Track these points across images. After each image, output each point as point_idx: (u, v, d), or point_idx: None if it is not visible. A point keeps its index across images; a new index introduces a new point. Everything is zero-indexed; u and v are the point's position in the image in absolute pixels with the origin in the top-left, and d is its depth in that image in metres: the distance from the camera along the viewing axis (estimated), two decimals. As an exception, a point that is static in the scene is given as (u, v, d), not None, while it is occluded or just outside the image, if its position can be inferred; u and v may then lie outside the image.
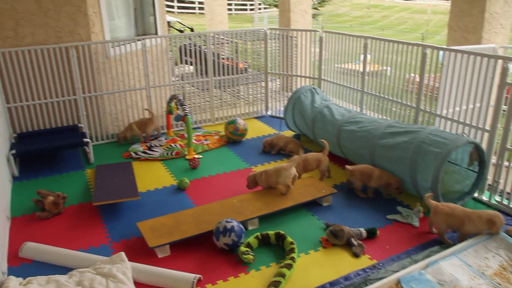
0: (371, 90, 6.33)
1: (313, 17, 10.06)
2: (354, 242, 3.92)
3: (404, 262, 3.66)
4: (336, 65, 6.99)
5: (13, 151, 5.39)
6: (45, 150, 5.75)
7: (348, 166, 4.93)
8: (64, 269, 3.67)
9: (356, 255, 3.82)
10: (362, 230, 4.08)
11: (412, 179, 4.56)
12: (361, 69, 6.35)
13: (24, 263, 3.82)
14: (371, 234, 4.09)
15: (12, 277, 3.37)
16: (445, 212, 3.92)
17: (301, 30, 7.33)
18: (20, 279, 3.43)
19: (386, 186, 4.75)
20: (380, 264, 3.70)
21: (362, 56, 6.40)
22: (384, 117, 6.09)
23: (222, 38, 8.08)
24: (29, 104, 6.13)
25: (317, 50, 7.14)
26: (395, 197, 4.80)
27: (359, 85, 6.51)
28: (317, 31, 7.07)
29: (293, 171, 4.70)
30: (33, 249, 3.92)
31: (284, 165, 4.73)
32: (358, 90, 6.51)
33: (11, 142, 5.88)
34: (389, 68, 5.97)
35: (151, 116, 6.59)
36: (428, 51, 5.31)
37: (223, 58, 7.72)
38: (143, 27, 7.85)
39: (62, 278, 3.45)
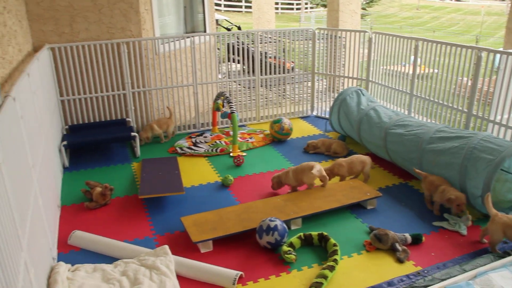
0: (420, 93, 6.17)
1: (361, 18, 9.90)
2: (399, 247, 3.82)
3: (451, 270, 3.53)
4: (382, 66, 6.86)
5: (65, 143, 5.57)
6: (94, 143, 5.91)
7: (418, 171, 4.71)
8: (109, 259, 3.76)
9: (400, 261, 3.73)
10: (407, 235, 3.98)
11: (462, 186, 4.40)
12: (410, 71, 6.21)
13: (73, 250, 3.94)
14: (416, 240, 3.97)
15: (61, 263, 3.47)
16: (503, 221, 3.76)
17: (351, 31, 7.22)
18: (69, 265, 3.53)
19: (448, 202, 4.34)
20: (425, 272, 3.60)
21: (409, 58, 6.26)
22: (433, 121, 5.93)
23: (270, 37, 8.08)
24: (81, 98, 6.32)
25: (365, 51, 7.03)
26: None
27: (407, 88, 6.36)
28: (367, 31, 6.96)
29: (319, 171, 4.70)
30: (81, 237, 4.03)
31: (309, 164, 4.77)
32: (407, 93, 6.36)
33: (62, 133, 6.08)
34: (436, 70, 5.81)
35: (170, 115, 6.61)
36: (484, 54, 5.12)
37: (270, 57, 7.71)
38: (192, 24, 7.95)
39: (107, 267, 3.53)
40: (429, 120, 6.02)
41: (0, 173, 2.23)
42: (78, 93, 6.29)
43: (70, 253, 3.90)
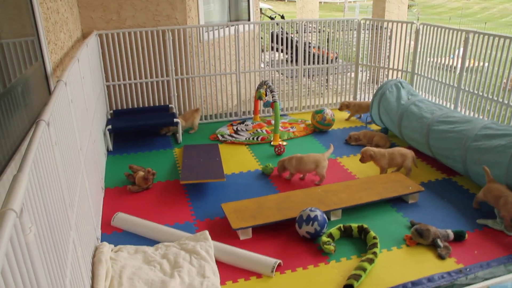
0: (468, 87, 5.98)
1: (407, 8, 9.65)
2: (440, 243, 3.74)
3: (495, 270, 3.44)
4: (429, 59, 6.68)
5: (109, 127, 5.71)
6: (138, 128, 6.03)
7: (486, 169, 4.34)
8: (150, 241, 3.85)
9: (441, 257, 3.65)
10: (449, 231, 3.88)
11: (509, 186, 4.25)
12: (458, 65, 6.02)
13: (115, 232, 4.05)
14: (459, 237, 3.87)
15: (105, 243, 3.58)
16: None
17: (398, 22, 7.06)
18: (112, 245, 3.64)
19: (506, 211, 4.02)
20: (468, 269, 3.51)
21: (457, 51, 6.07)
22: (481, 117, 5.74)
23: (314, 27, 8.00)
24: (125, 83, 6.45)
25: (410, 42, 6.86)
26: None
27: (454, 81, 6.17)
28: (414, 23, 6.79)
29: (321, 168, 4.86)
30: (123, 219, 4.14)
31: (321, 155, 4.88)
32: (454, 87, 6.18)
33: (107, 118, 6.23)
34: (486, 64, 5.61)
35: (196, 108, 6.60)
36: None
37: (314, 47, 7.65)
38: (236, 12, 7.96)
39: (149, 249, 3.61)
40: (476, 115, 5.84)
41: (53, 155, 2.31)
42: (123, 78, 6.42)
43: (113, 234, 4.01)
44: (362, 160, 5.05)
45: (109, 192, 4.79)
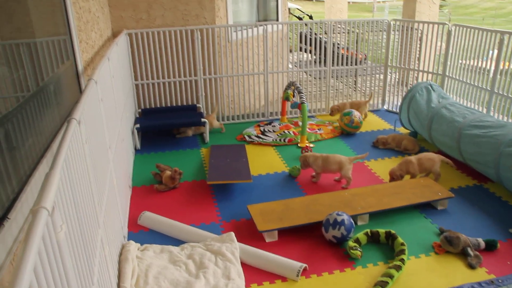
0: (502, 91, 5.82)
1: (439, 8, 9.48)
2: (471, 252, 3.64)
3: (528, 282, 3.34)
4: (460, 61, 6.53)
5: (137, 125, 5.76)
6: (166, 127, 6.07)
7: None
8: (176, 241, 3.86)
9: (471, 267, 3.54)
10: (480, 240, 3.77)
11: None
12: (491, 67, 5.87)
13: (142, 230, 4.07)
14: (491, 247, 3.75)
15: (132, 242, 3.60)
16: None
17: (429, 23, 6.93)
18: (138, 244, 3.66)
19: None
20: (500, 281, 3.39)
21: (491, 53, 5.91)
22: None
23: (343, 27, 7.92)
24: (154, 82, 6.50)
25: (442, 44, 6.73)
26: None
27: (488, 85, 6.02)
28: (446, 24, 6.65)
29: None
30: (150, 218, 4.16)
31: (346, 158, 4.85)
32: (487, 90, 6.03)
33: (135, 116, 6.29)
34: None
35: (213, 111, 6.57)
36: None
37: (342, 48, 7.57)
38: (265, 12, 7.94)
39: (174, 249, 3.62)
40: (510, 120, 5.68)
41: (83, 153, 2.33)
42: (151, 77, 6.47)
43: (139, 233, 4.03)
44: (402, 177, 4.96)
45: (136, 190, 4.82)
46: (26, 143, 2.37)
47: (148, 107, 6.59)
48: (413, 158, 4.96)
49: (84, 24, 4.36)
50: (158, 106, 6.64)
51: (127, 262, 3.23)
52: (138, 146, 5.87)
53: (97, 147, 2.85)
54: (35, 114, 2.60)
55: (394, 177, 4.87)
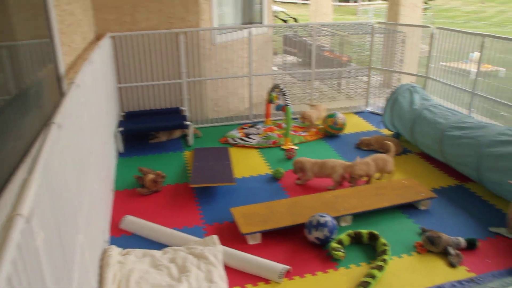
0: (483, 92, 5.91)
1: (422, 12, 9.59)
2: (452, 251, 3.69)
3: (507, 280, 3.39)
4: (441, 63, 6.61)
5: (121, 129, 5.73)
6: (149, 130, 6.06)
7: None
8: (159, 245, 3.84)
9: (452, 265, 3.60)
10: (461, 239, 3.83)
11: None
12: (472, 69, 5.95)
13: (124, 235, 4.05)
14: (471, 245, 3.82)
15: (114, 246, 3.58)
16: None
17: (413, 26, 7.01)
18: (120, 249, 3.64)
19: None
20: (479, 279, 3.46)
21: (471, 55, 6.00)
22: (495, 123, 5.66)
23: (327, 30, 7.97)
24: (137, 85, 6.47)
25: (424, 46, 6.80)
26: (500, 209, 4.46)
27: (469, 86, 6.11)
28: (429, 27, 6.73)
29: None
30: (132, 222, 4.14)
31: (341, 162, 4.88)
32: (468, 92, 6.11)
33: (118, 120, 6.25)
34: (502, 69, 5.54)
35: None
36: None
37: (325, 51, 7.62)
38: (250, 15, 7.95)
39: (157, 253, 3.61)
40: (491, 121, 5.77)
41: (64, 157, 2.32)
42: (135, 80, 6.45)
43: (121, 237, 4.01)
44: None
45: (119, 194, 4.80)
46: (4, 148, 2.35)
47: (131, 110, 6.56)
48: (369, 159, 5.00)
49: (67, 27, 4.33)
50: (142, 109, 6.62)
51: (108, 267, 3.22)
52: (122, 149, 5.84)
53: (78, 151, 2.83)
54: (15, 118, 2.57)
55: (355, 176, 4.88)
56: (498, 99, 5.67)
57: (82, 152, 3.01)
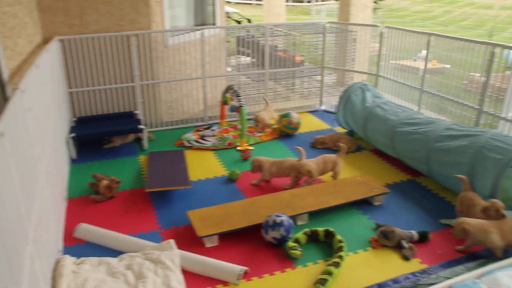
0: (431, 89, 6.10)
1: (372, 11, 9.84)
2: (405, 244, 3.80)
3: (457, 269, 3.51)
4: (392, 61, 6.79)
5: (72, 135, 5.58)
6: (102, 135, 5.93)
7: (460, 176, 4.31)
8: (115, 252, 3.77)
9: (406, 258, 3.71)
10: (414, 232, 3.94)
11: (470, 186, 4.33)
12: (421, 67, 6.14)
13: (78, 243, 3.95)
14: (423, 238, 3.94)
15: (67, 256, 3.48)
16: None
17: (362, 25, 7.16)
18: (74, 258, 3.55)
19: (485, 214, 3.89)
20: (431, 269, 3.57)
21: (420, 53, 6.19)
22: (443, 118, 5.86)
23: (280, 30, 8.03)
24: (89, 90, 6.32)
25: (376, 45, 6.97)
26: (450, 201, 4.61)
27: (418, 83, 6.29)
28: (378, 26, 6.89)
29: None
30: (86, 230, 4.04)
31: (297, 160, 4.90)
32: (417, 88, 6.29)
33: (70, 125, 6.09)
34: (448, 66, 5.75)
35: None
36: (498, 50, 5.05)
37: (279, 51, 7.67)
38: (202, 16, 7.91)
39: (112, 260, 3.54)
40: (439, 117, 5.96)
41: (8, 166, 2.23)
42: (87, 85, 6.30)
43: (75, 246, 3.91)
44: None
45: (72, 202, 4.67)
46: None
47: (84, 115, 6.40)
48: (319, 158, 5.06)
49: (10, 30, 4.18)
50: (95, 114, 6.47)
51: (62, 277, 3.13)
52: (74, 155, 5.69)
53: (24, 160, 2.74)
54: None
55: (303, 171, 4.88)
56: (445, 95, 5.87)
57: (29, 160, 2.91)
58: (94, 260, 3.55)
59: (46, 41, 5.95)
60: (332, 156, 5.09)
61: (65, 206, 4.56)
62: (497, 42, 5.13)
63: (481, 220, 3.77)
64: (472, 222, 3.72)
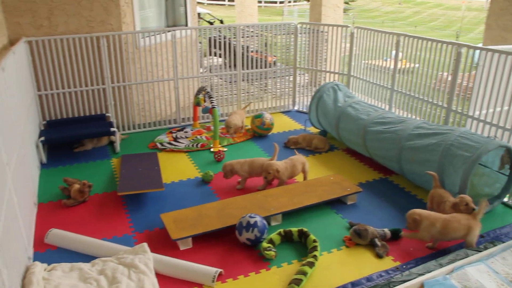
0: (401, 88, 6.20)
1: (343, 12, 9.97)
2: (378, 242, 3.85)
3: (429, 265, 3.56)
4: (363, 61, 6.88)
5: (42, 138, 5.47)
6: (73, 138, 5.83)
7: (431, 173, 4.40)
8: (87, 257, 3.70)
9: (379, 256, 3.75)
10: (386, 230, 4.00)
11: (440, 183, 4.43)
12: (391, 66, 6.23)
13: (49, 249, 3.87)
14: (395, 235, 4.01)
15: (37, 262, 3.41)
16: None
17: (333, 25, 7.23)
18: (45, 265, 3.47)
19: (455, 209, 3.96)
20: (404, 267, 3.63)
21: (391, 53, 6.28)
22: (413, 117, 5.96)
23: (252, 31, 8.03)
24: (59, 92, 6.21)
25: (347, 45, 7.04)
26: (421, 198, 4.69)
27: (388, 83, 6.39)
28: (349, 26, 6.96)
29: (277, 167, 4.80)
30: (58, 236, 3.96)
31: (268, 159, 4.95)
32: (388, 88, 6.39)
33: (40, 129, 5.97)
34: (417, 65, 5.85)
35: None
36: (464, 50, 5.16)
37: (252, 51, 7.67)
38: (174, 18, 7.86)
39: (85, 266, 3.48)
40: (409, 115, 6.06)
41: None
42: (56, 87, 6.18)
43: (46, 252, 3.83)
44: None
45: (43, 207, 4.58)
46: None
47: (54, 118, 6.28)
48: (288, 160, 5.07)
49: (-26, 32, 4.08)
50: (65, 117, 6.35)
51: (32, 285, 3.06)
52: (44, 160, 5.57)
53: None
54: None
55: (271, 171, 4.84)
56: (415, 94, 5.97)
57: (-4, 165, 2.84)
58: (65, 266, 3.48)
59: (12, 42, 5.82)
60: (299, 157, 5.12)
61: (36, 211, 4.46)
62: (463, 43, 5.24)
63: (433, 212, 3.88)
64: (421, 212, 3.84)
